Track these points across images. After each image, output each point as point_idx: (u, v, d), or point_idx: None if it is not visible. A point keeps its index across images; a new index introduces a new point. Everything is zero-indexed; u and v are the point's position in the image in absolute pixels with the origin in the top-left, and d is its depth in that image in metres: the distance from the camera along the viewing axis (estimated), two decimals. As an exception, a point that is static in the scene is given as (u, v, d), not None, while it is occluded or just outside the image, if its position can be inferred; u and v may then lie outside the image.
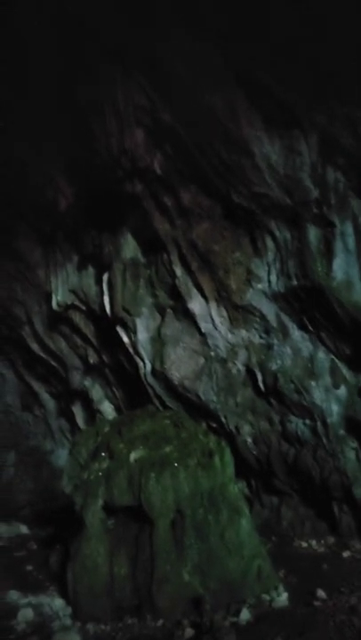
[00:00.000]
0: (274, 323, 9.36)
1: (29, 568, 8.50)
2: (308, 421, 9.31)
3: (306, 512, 9.64)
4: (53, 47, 7.87)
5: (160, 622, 6.32)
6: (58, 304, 11.32)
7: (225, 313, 9.64)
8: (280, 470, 9.64)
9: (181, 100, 7.88)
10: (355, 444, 8.98)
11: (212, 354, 9.86)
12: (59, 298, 11.30)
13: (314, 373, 9.17)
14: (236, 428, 9.74)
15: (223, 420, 9.79)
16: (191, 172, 8.71)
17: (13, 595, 7.27)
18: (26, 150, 9.47)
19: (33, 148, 9.40)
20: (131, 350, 10.40)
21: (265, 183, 8.28)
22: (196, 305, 9.70)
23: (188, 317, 9.86)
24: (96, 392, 12.17)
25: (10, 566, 8.61)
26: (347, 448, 8.97)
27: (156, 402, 10.30)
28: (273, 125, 7.95)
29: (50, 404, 13.79)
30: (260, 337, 9.59)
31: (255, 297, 9.32)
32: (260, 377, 9.51)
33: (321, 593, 6.60)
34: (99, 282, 10.73)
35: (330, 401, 9.10)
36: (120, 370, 11.34)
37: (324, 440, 9.09)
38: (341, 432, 9.06)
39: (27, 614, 6.69)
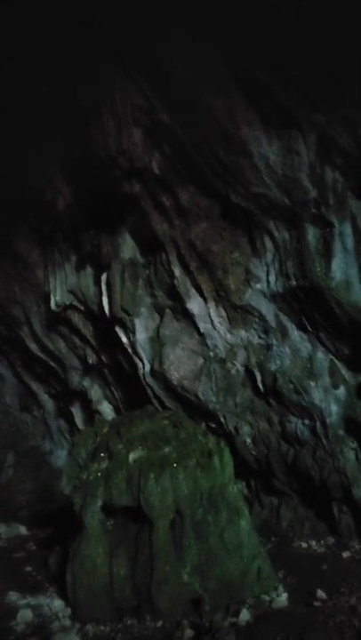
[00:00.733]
0: (273, 323, 9.36)
1: (28, 569, 8.49)
2: (307, 422, 9.31)
3: (305, 512, 9.63)
4: (53, 47, 7.88)
5: (159, 623, 6.32)
6: (56, 304, 11.28)
7: (224, 313, 9.64)
8: (279, 471, 9.64)
9: (180, 100, 7.89)
10: (354, 445, 8.98)
11: (211, 354, 9.86)
12: (57, 298, 11.27)
13: (313, 374, 9.18)
14: (236, 428, 9.73)
15: (222, 420, 9.78)
16: (189, 172, 8.71)
17: (12, 596, 7.27)
18: (24, 150, 9.45)
19: (31, 148, 9.39)
20: (129, 350, 10.39)
21: (263, 183, 8.29)
22: (194, 305, 9.70)
23: (187, 317, 9.85)
24: (95, 392, 12.15)
25: (9, 567, 8.60)
26: (346, 448, 8.97)
27: (155, 402, 10.27)
28: (271, 125, 7.97)
29: (49, 404, 13.77)
30: (259, 337, 9.59)
31: (254, 297, 9.32)
32: (259, 377, 9.51)
33: (321, 593, 6.61)
34: (97, 282, 10.71)
35: (329, 401, 9.10)
36: (119, 370, 11.32)
37: (324, 440, 9.09)
38: (341, 432, 9.06)
39: (26, 615, 6.69)
